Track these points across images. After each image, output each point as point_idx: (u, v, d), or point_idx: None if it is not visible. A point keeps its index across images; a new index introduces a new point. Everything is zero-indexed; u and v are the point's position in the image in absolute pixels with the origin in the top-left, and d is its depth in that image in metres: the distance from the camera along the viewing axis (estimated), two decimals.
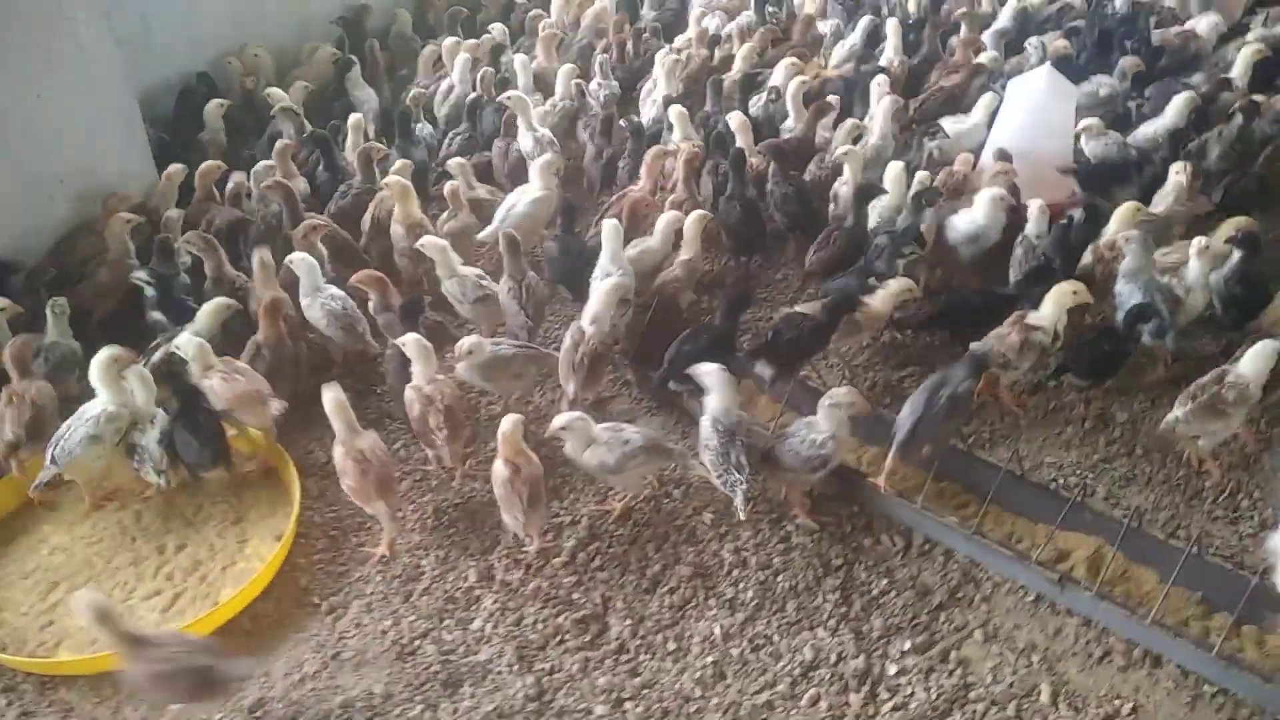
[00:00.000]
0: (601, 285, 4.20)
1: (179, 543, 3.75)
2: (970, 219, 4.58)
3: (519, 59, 6.38)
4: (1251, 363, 3.54)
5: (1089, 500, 3.55)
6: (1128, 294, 4.08)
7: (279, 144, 5.58)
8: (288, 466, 3.89)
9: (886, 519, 3.68)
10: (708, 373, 3.66)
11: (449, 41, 6.85)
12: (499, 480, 3.50)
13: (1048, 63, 5.35)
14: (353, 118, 5.94)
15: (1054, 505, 3.49)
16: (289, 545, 3.63)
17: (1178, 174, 4.59)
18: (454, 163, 5.26)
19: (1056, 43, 6.08)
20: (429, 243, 4.48)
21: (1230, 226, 4.23)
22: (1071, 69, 5.58)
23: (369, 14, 7.58)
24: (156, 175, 5.59)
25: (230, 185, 5.42)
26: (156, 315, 4.51)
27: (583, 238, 4.86)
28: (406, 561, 3.66)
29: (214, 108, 6.18)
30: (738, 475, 3.49)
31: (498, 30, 7.17)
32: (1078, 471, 3.83)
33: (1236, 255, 4.07)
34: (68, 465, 3.71)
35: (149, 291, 4.53)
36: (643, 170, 5.18)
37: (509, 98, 5.69)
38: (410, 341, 3.81)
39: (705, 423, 3.61)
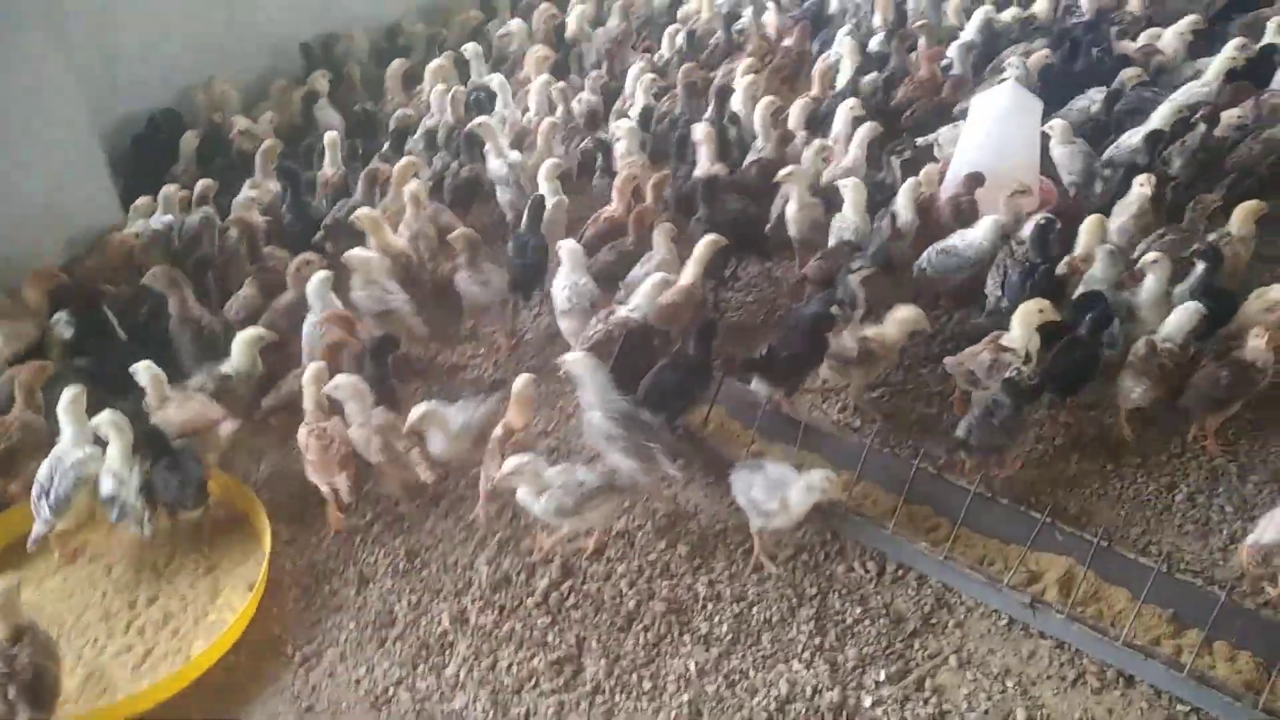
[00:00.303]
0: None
1: (150, 595, 3.72)
2: (969, 242, 4.54)
3: (496, 79, 6.41)
4: (1175, 324, 3.91)
5: (1060, 519, 3.56)
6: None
7: (264, 145, 5.74)
8: (259, 514, 3.86)
9: (859, 546, 3.68)
10: (575, 361, 3.71)
11: (434, 64, 6.89)
12: (493, 437, 3.72)
13: (1011, 79, 5.37)
14: (329, 135, 5.94)
15: (1025, 526, 3.49)
16: (260, 595, 3.60)
17: (1141, 185, 4.61)
18: (413, 183, 5.26)
19: (1037, 54, 6.09)
20: (352, 255, 4.57)
21: (1244, 211, 4.38)
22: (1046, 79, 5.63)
23: (337, 41, 7.57)
24: (121, 211, 5.57)
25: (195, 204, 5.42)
26: (79, 362, 4.31)
27: (542, 241, 4.88)
28: (379, 607, 3.64)
29: (189, 139, 6.16)
30: (651, 445, 3.54)
31: (470, 49, 7.15)
32: (1049, 490, 3.85)
33: (1200, 268, 4.11)
34: (64, 515, 3.68)
35: (66, 334, 4.43)
36: (614, 193, 5.19)
37: (478, 125, 5.68)
38: (343, 385, 3.84)
39: (596, 417, 3.63)
